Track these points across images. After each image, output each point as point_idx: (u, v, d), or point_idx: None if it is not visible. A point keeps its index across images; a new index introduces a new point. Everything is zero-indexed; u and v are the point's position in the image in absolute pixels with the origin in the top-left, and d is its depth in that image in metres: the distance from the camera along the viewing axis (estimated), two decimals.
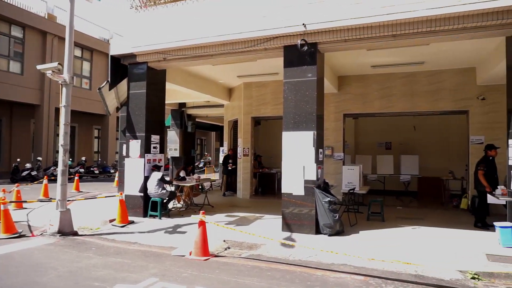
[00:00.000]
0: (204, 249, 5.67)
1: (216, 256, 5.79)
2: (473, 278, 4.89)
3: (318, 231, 6.84)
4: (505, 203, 6.54)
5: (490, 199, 7.05)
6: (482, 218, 7.71)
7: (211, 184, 14.24)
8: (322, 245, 6.03)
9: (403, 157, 12.10)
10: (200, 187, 12.11)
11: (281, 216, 7.13)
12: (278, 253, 5.91)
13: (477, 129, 9.59)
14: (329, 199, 6.66)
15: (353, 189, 8.29)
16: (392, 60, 9.08)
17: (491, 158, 7.68)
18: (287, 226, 7.01)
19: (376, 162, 12.39)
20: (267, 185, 13.08)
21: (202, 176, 15.21)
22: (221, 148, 15.34)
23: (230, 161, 12.57)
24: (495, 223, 6.30)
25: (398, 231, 7.25)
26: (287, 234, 6.84)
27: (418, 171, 11.79)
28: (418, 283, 4.65)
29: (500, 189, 6.75)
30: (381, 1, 6.18)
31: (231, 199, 11.79)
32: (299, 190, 6.89)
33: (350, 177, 8.70)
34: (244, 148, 12.08)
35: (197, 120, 17.65)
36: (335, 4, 6.54)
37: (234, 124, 13.54)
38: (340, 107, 10.90)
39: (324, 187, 7.25)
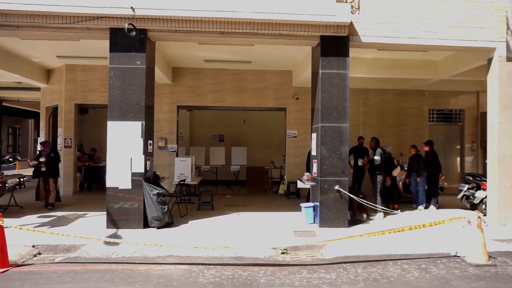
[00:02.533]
0: (1, 259, 4.72)
1: (19, 265, 4.92)
2: (283, 253, 5.63)
3: (146, 225, 6.65)
4: (309, 186, 7.76)
5: (299, 184, 8.24)
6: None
7: (21, 181, 12.10)
8: (150, 239, 5.88)
9: (234, 149, 13.01)
10: (6, 185, 10.10)
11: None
12: (100, 253, 5.46)
13: (292, 124, 11.09)
14: (157, 191, 6.55)
15: (184, 180, 8.40)
16: (223, 56, 9.55)
17: None
18: (113, 222, 6.56)
19: (209, 153, 12.92)
20: (95, 179, 11.97)
21: (10, 172, 12.77)
22: (38, 139, 13.18)
23: (41, 159, 8.63)
24: (301, 204, 7.43)
25: (225, 218, 7.73)
26: (113, 231, 6.41)
27: (246, 162, 12.87)
28: (237, 265, 5.05)
29: (306, 175, 7.97)
30: None
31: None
32: (126, 184, 6.53)
33: (182, 169, 8.79)
34: (66, 139, 10.69)
35: (4, 104, 14.66)
36: None
37: (54, 111, 11.82)
38: (174, 98, 10.86)
39: (154, 179, 7.12)
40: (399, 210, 8.28)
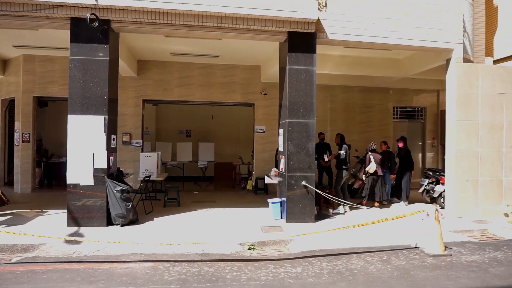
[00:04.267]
0: None
1: None
2: (250, 248, 5.67)
3: (110, 223, 6.50)
4: (277, 182, 7.84)
5: (267, 179, 8.30)
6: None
7: None
8: (113, 237, 5.76)
9: (201, 144, 12.92)
10: None
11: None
12: (60, 252, 5.28)
13: (260, 120, 11.15)
14: (121, 187, 6.40)
15: (149, 176, 8.25)
16: (190, 49, 9.42)
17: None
18: (74, 220, 6.35)
19: (176, 149, 12.75)
20: (56, 176, 11.49)
21: None
22: None
23: None
24: (268, 200, 7.50)
25: (192, 215, 7.67)
26: (74, 229, 6.21)
27: (214, 157, 12.82)
28: (203, 261, 5.04)
29: (273, 171, 8.05)
30: None
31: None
32: (88, 180, 6.34)
33: (148, 164, 8.61)
34: (23, 134, 10.18)
35: None
36: None
37: (11, 104, 11.22)
38: (140, 92, 10.61)
39: (118, 175, 6.97)
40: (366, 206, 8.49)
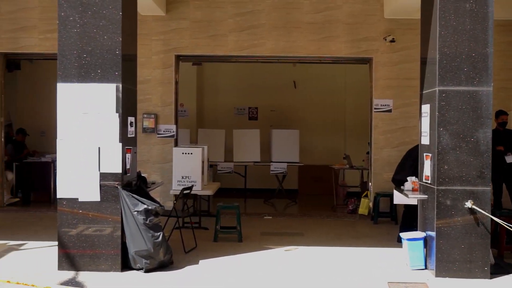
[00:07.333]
0: None
1: None
2: None
3: (126, 265, 6.82)
4: (416, 203, 7.63)
5: (398, 198, 8.10)
6: None
7: None
8: None
9: (276, 133, 13.01)
10: None
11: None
12: None
13: (383, 89, 11.00)
14: (145, 206, 6.61)
15: (190, 188, 8.47)
16: None
17: None
18: (69, 259, 6.74)
19: (232, 141, 12.96)
20: (36, 184, 12.31)
21: None
22: None
23: None
24: (401, 235, 7.35)
25: (263, 257, 7.79)
26: (69, 275, 6.58)
27: (298, 156, 12.84)
28: None
29: (410, 181, 7.85)
30: None
31: None
32: (91, 193, 6.66)
33: (187, 168, 8.88)
34: None
35: None
36: None
37: None
38: (170, 42, 10.95)
39: (139, 185, 7.25)
40: None
